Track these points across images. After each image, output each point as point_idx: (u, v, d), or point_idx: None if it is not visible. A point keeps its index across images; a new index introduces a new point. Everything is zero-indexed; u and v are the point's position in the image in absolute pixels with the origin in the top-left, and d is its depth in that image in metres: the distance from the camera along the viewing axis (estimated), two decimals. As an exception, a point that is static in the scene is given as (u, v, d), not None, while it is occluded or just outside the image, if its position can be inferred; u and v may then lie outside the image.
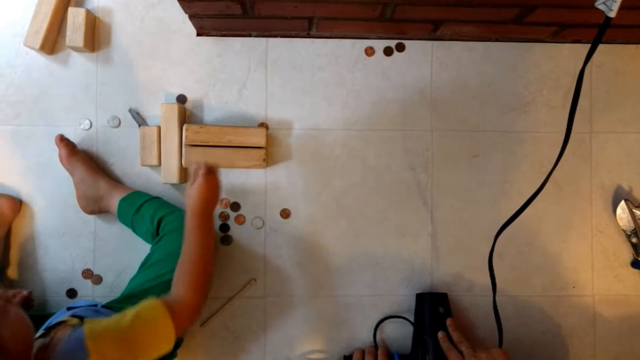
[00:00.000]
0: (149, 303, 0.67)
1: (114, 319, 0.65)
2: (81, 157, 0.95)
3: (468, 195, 1.01)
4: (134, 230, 0.93)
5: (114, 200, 0.92)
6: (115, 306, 0.83)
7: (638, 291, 1.02)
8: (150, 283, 0.84)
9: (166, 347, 0.67)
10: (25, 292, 0.80)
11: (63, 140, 0.94)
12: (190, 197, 0.77)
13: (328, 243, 0.99)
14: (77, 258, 0.98)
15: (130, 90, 0.99)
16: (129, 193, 0.93)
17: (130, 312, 0.65)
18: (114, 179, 0.97)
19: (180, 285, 0.72)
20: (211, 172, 0.78)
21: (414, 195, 1.01)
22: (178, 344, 0.91)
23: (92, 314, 0.79)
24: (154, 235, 0.89)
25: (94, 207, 0.94)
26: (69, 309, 0.86)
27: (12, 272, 0.97)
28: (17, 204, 0.96)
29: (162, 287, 0.82)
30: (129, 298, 0.83)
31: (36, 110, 0.98)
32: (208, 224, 0.76)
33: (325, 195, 1.00)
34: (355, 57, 1.01)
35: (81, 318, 0.72)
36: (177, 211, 0.90)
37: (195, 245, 0.74)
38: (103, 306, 0.84)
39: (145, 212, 0.90)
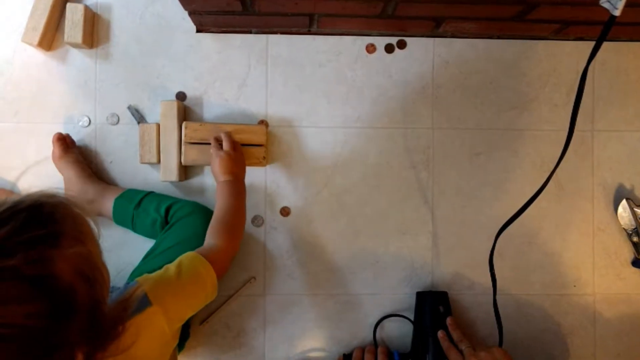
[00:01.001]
0: (187, 255, 0.71)
1: (160, 273, 0.68)
2: (72, 160, 0.93)
3: (469, 194, 1.01)
4: (134, 227, 0.92)
5: (107, 201, 0.91)
6: None
7: (638, 290, 1.02)
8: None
9: (212, 292, 0.71)
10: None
11: (59, 140, 0.93)
12: (214, 174, 0.87)
13: (328, 241, 0.99)
14: (76, 256, 0.97)
15: (129, 87, 0.98)
16: (123, 191, 0.92)
17: (172, 266, 0.68)
18: (105, 182, 0.96)
19: (215, 235, 0.77)
20: (221, 148, 0.88)
21: (414, 194, 1.00)
22: (185, 336, 0.91)
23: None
24: (163, 224, 0.89)
25: None
26: None
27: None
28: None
29: None
30: None
31: (34, 107, 0.97)
32: (236, 189, 0.84)
33: (326, 193, 0.99)
34: (356, 54, 1.00)
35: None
36: (181, 200, 0.92)
37: (227, 207, 0.81)
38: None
39: (147, 204, 0.90)
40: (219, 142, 0.91)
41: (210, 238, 0.77)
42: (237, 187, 0.85)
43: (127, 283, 0.65)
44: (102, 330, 0.51)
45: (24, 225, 0.46)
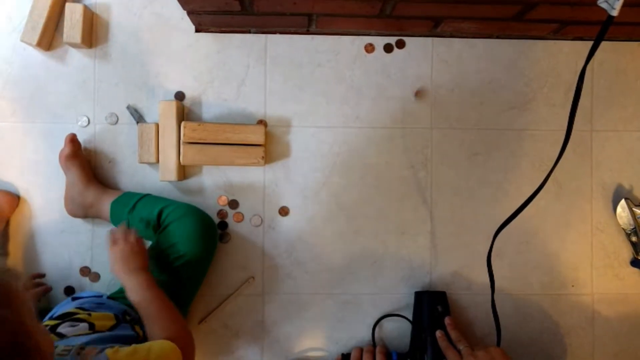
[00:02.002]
0: (158, 342, 0.68)
1: (131, 350, 0.65)
2: (79, 162, 0.93)
3: (467, 194, 1.01)
4: None
5: (105, 206, 0.92)
6: (119, 297, 0.84)
7: (637, 290, 1.02)
8: (154, 274, 0.84)
9: None
10: (48, 287, 0.94)
11: (72, 141, 0.92)
12: (114, 273, 0.81)
13: (327, 241, 0.99)
14: (75, 255, 0.97)
15: (128, 86, 0.98)
16: (119, 195, 0.93)
17: (142, 348, 0.66)
18: (105, 183, 0.97)
19: (162, 332, 0.72)
20: (115, 243, 0.82)
21: (413, 193, 1.00)
22: None
23: (97, 307, 0.81)
24: (155, 227, 0.89)
25: (78, 212, 0.94)
26: (74, 299, 0.87)
27: (10, 269, 0.97)
28: (15, 199, 0.96)
29: (165, 277, 0.84)
30: None
31: (33, 107, 0.97)
32: (145, 282, 0.78)
33: (324, 193, 0.99)
34: (355, 54, 1.00)
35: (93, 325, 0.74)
36: (174, 202, 0.92)
37: (152, 305, 0.75)
38: (108, 297, 0.85)
39: (141, 208, 0.90)
40: (114, 236, 0.84)
41: (158, 337, 0.71)
42: (145, 279, 0.78)
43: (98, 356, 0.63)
44: None
45: None
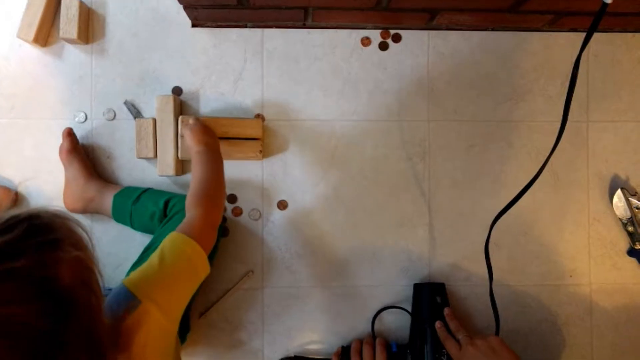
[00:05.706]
0: (169, 238, 0.67)
1: (145, 266, 0.65)
2: (80, 156, 0.94)
3: (465, 185, 1.01)
4: (132, 223, 0.92)
5: (107, 199, 0.92)
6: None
7: (634, 280, 1.02)
8: None
9: (203, 269, 0.68)
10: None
11: (70, 135, 0.93)
12: (188, 149, 0.86)
13: (326, 234, 0.99)
14: (74, 251, 0.97)
15: (125, 82, 0.98)
16: (122, 189, 0.93)
17: (155, 256, 0.65)
18: (104, 178, 0.97)
19: (193, 205, 0.73)
20: (188, 124, 0.89)
21: (411, 186, 1.00)
22: (186, 329, 0.90)
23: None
24: (161, 217, 0.89)
25: (78, 206, 0.94)
26: None
27: (8, 265, 0.96)
28: (13, 194, 0.96)
29: None
30: None
31: (30, 103, 0.97)
32: (210, 158, 0.82)
33: (323, 186, 1.00)
34: (352, 48, 1.00)
35: None
36: (179, 194, 0.92)
37: (203, 177, 0.78)
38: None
39: (146, 199, 0.91)
40: (184, 122, 0.92)
41: (189, 210, 0.73)
42: (211, 156, 0.82)
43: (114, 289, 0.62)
44: (100, 338, 0.51)
45: (27, 232, 0.48)
